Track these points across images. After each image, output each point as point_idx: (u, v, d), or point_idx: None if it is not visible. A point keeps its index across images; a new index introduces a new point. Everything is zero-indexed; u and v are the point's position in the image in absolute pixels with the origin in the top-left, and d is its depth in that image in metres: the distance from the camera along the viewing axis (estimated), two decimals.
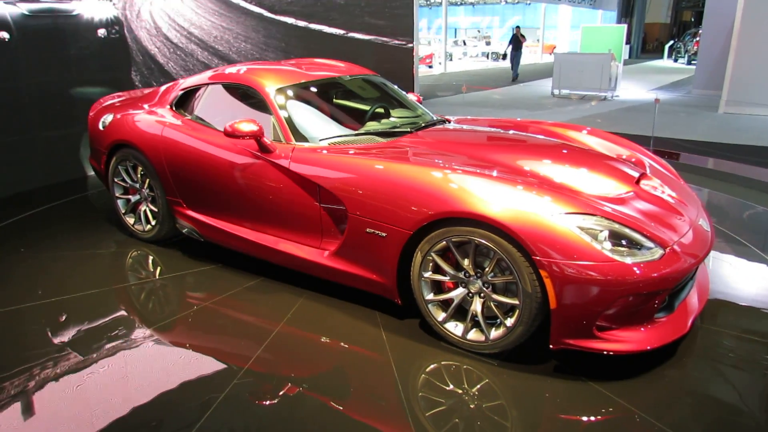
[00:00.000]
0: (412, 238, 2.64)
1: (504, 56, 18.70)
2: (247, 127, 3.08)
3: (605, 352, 2.38)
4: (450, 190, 2.54)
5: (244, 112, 3.52)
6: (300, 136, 3.21)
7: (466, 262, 2.57)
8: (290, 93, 3.41)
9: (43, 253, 3.95)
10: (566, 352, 2.49)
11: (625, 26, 14.72)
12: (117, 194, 4.10)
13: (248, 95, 3.52)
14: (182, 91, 3.84)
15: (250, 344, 2.81)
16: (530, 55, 27.71)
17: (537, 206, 2.39)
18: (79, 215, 4.76)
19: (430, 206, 2.56)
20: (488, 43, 29.72)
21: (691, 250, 2.53)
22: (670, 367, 2.53)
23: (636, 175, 2.98)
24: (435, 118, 3.88)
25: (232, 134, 3.09)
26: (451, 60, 27.30)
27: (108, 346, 2.79)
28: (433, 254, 2.62)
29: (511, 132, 3.65)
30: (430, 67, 22.83)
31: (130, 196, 4.06)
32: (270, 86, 3.38)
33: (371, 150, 3.05)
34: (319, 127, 3.31)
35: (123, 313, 3.16)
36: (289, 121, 3.26)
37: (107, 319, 3.07)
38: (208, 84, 3.75)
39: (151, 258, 3.88)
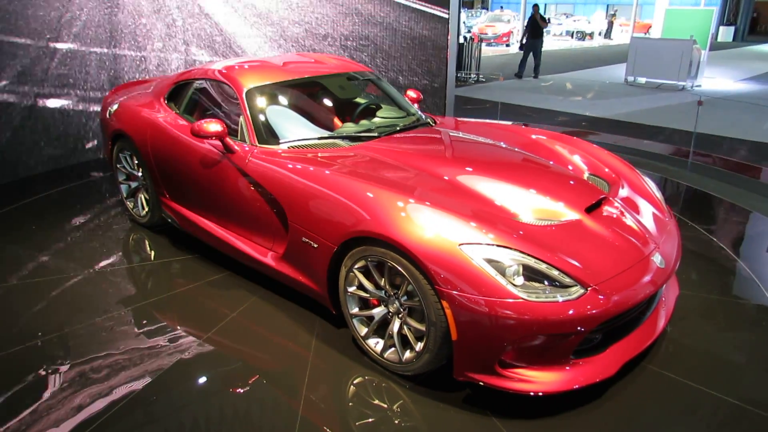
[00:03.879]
0: (339, 251, 2.64)
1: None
2: (211, 127, 3.16)
3: (507, 391, 2.28)
4: (368, 209, 2.50)
5: (223, 109, 3.61)
6: (265, 138, 3.26)
7: (383, 282, 2.53)
8: (263, 93, 3.44)
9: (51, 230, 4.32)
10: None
11: (715, 9, 13.32)
12: (120, 179, 4.37)
13: (227, 93, 3.60)
14: (174, 85, 4.00)
15: (198, 331, 3.01)
16: (621, 35, 26.00)
17: (447, 234, 2.30)
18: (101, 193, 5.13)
19: (350, 223, 2.54)
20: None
21: (626, 289, 2.34)
22: (587, 412, 2.38)
23: (593, 200, 2.77)
24: (420, 120, 3.79)
25: (197, 134, 3.19)
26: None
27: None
28: (355, 270, 2.61)
29: (485, 141, 3.49)
30: (507, 45, 22.04)
31: (131, 182, 4.32)
32: (242, 85, 3.44)
33: (319, 157, 3.04)
34: (284, 129, 3.33)
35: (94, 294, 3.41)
36: (256, 121, 3.31)
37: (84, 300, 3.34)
38: (195, 79, 3.87)
39: (139, 243, 4.14)
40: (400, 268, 2.37)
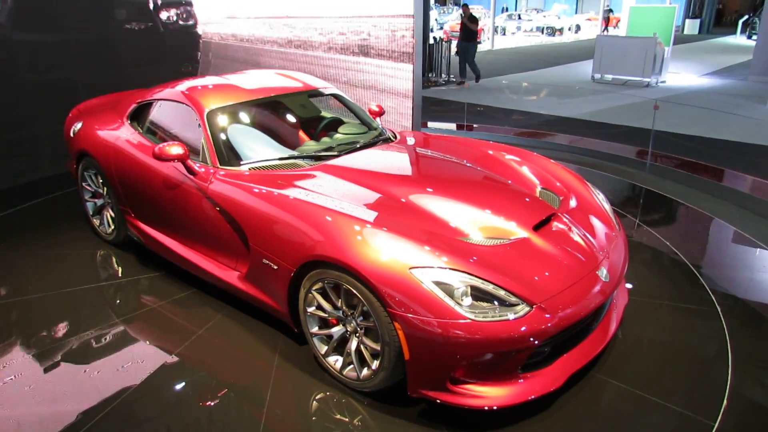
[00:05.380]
0: (298, 273, 2.72)
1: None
2: (173, 150, 3.21)
3: (460, 407, 2.39)
4: (323, 233, 2.59)
5: (185, 130, 3.65)
6: (226, 159, 3.31)
7: (339, 303, 2.63)
8: (223, 114, 3.49)
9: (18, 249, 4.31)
10: None
11: (677, 6, 13.65)
12: (86, 197, 4.38)
13: (188, 114, 3.64)
14: (137, 104, 4.02)
15: (166, 348, 3.09)
16: (591, 29, 26.36)
17: (399, 258, 2.40)
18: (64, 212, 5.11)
19: (306, 247, 2.62)
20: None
21: (571, 305, 2.47)
22: (536, 423, 2.51)
23: (542, 217, 2.89)
24: (381, 135, 3.87)
25: (159, 157, 3.23)
26: (504, 35, 26.43)
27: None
28: (313, 292, 2.69)
29: (442, 156, 3.60)
30: (479, 43, 22.17)
31: (96, 200, 4.33)
32: (203, 106, 3.48)
33: (279, 179, 3.11)
34: (245, 149, 3.39)
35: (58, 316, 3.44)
36: (217, 143, 3.36)
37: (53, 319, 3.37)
38: (157, 99, 3.90)
39: (106, 260, 4.16)
40: (354, 291, 2.47)
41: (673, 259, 4.03)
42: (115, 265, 4.10)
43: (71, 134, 4.35)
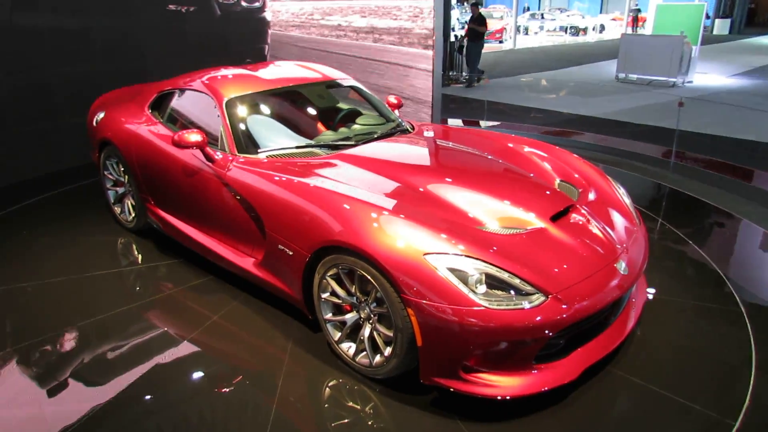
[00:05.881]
0: (312, 259, 2.73)
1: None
2: (192, 137, 3.24)
3: (472, 395, 2.37)
4: (338, 219, 2.59)
5: (204, 119, 3.68)
6: (244, 147, 3.34)
7: (353, 289, 2.62)
8: (242, 102, 3.52)
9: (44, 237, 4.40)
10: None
11: (705, 4, 13.35)
12: (107, 186, 4.45)
13: (208, 103, 3.67)
14: (158, 94, 4.07)
15: (181, 333, 3.13)
16: (616, 30, 26.00)
17: (413, 244, 2.38)
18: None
19: (321, 233, 2.62)
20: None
21: (587, 296, 2.43)
22: (549, 416, 2.47)
23: (560, 208, 2.85)
24: (399, 126, 3.86)
25: (178, 144, 3.27)
26: (526, 34, 26.21)
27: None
28: (327, 278, 2.69)
29: (459, 147, 3.57)
30: (501, 42, 22.07)
31: (117, 188, 4.40)
32: (222, 95, 3.51)
33: (297, 167, 3.12)
34: (263, 138, 3.41)
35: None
36: (235, 131, 3.39)
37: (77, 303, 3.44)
38: (178, 89, 3.94)
39: (126, 247, 4.22)
40: (368, 276, 2.46)
41: (697, 259, 3.93)
42: (135, 252, 4.16)
43: (94, 124, 4.43)
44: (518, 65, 13.46)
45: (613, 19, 27.78)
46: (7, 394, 2.66)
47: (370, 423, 2.46)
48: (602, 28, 26.24)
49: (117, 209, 4.44)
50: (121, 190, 4.36)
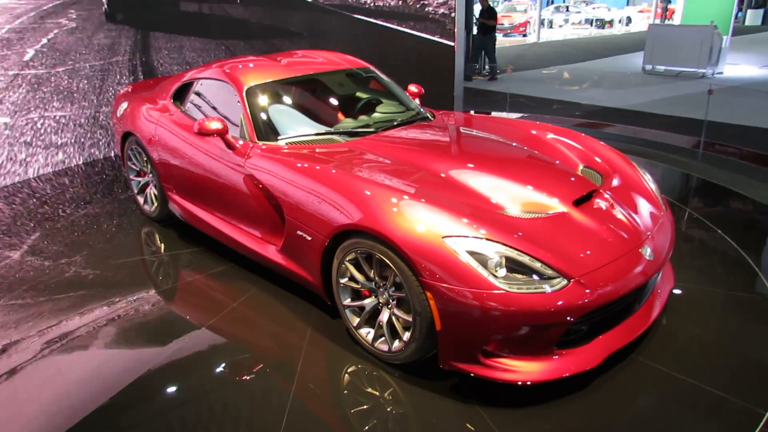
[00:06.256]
0: (331, 244, 2.72)
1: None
2: (212, 125, 3.26)
3: (492, 380, 2.33)
4: (355, 203, 2.57)
5: (224, 107, 3.70)
6: (264, 135, 3.34)
7: (372, 274, 2.60)
8: (262, 90, 3.52)
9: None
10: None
11: None
12: (131, 176, 4.51)
13: (229, 91, 3.69)
14: (180, 84, 4.11)
15: (201, 319, 3.16)
16: (644, 22, 25.43)
17: (431, 227, 2.35)
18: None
19: (339, 217, 2.61)
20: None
21: (611, 281, 2.37)
22: (571, 402, 2.42)
23: (583, 193, 2.79)
24: (419, 114, 3.83)
25: (199, 131, 3.29)
26: (551, 27, 25.85)
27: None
28: (346, 262, 2.68)
29: (480, 134, 3.53)
30: (524, 35, 21.80)
31: (140, 178, 4.45)
32: (242, 83, 3.52)
33: (315, 154, 3.11)
34: (282, 125, 3.41)
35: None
36: (255, 118, 3.40)
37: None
38: (199, 78, 3.97)
39: (149, 237, 4.29)
40: (386, 260, 2.44)
41: (727, 248, 3.82)
42: (158, 241, 4.21)
43: (118, 115, 4.49)
44: (542, 58, 13.27)
45: (641, 11, 27.19)
46: (32, 381, 2.70)
47: (388, 409, 2.44)
48: (629, 20, 25.70)
49: (140, 199, 4.50)
50: (143, 180, 4.42)
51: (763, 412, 2.35)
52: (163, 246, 4.14)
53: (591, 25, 25.10)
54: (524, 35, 21.51)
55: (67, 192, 5.28)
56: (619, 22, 25.10)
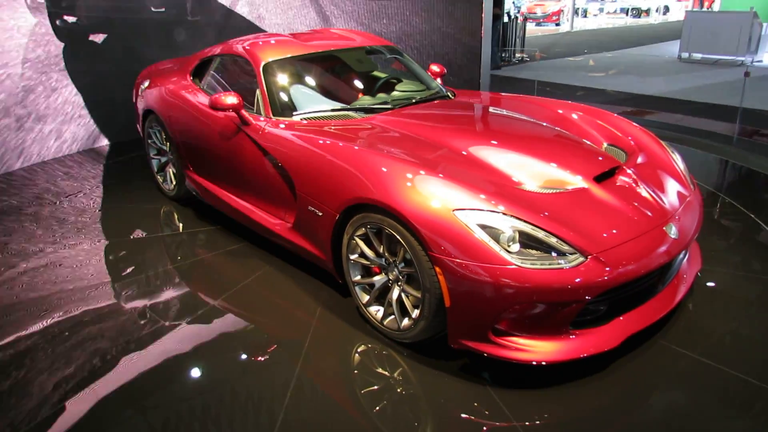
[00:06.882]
0: (341, 219, 2.66)
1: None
2: (228, 100, 3.23)
3: (504, 359, 2.24)
4: (366, 176, 2.50)
5: (242, 83, 3.67)
6: (279, 110, 3.30)
7: (382, 250, 2.53)
8: (279, 66, 3.47)
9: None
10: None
11: None
12: (151, 155, 4.53)
13: (246, 67, 3.65)
14: (199, 61, 4.09)
15: (212, 295, 3.15)
16: (681, 11, 24.61)
17: (442, 200, 2.26)
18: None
19: (349, 190, 2.54)
20: None
21: (632, 259, 2.25)
22: (586, 384, 2.31)
23: (605, 169, 2.66)
24: (439, 92, 3.73)
25: (214, 106, 3.26)
26: (585, 17, 25.26)
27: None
28: (356, 238, 2.62)
29: (500, 112, 3.41)
30: (557, 24, 21.33)
31: (161, 157, 4.47)
32: (260, 59, 3.48)
33: (330, 128, 3.05)
34: (298, 101, 3.36)
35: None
36: (271, 94, 3.35)
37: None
38: (218, 55, 3.95)
39: (168, 215, 4.30)
40: (396, 234, 2.37)
41: (761, 234, 3.63)
42: (176, 221, 4.22)
43: (139, 92, 4.51)
44: (574, 46, 12.95)
45: (679, 0, 26.33)
46: (48, 359, 2.71)
47: (398, 389, 2.37)
48: (666, 9, 24.93)
49: (160, 178, 4.52)
50: (163, 158, 4.43)
51: None
52: (181, 225, 4.15)
53: (627, 14, 24.40)
54: (557, 24, 21.04)
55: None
56: (656, 11, 24.35)
